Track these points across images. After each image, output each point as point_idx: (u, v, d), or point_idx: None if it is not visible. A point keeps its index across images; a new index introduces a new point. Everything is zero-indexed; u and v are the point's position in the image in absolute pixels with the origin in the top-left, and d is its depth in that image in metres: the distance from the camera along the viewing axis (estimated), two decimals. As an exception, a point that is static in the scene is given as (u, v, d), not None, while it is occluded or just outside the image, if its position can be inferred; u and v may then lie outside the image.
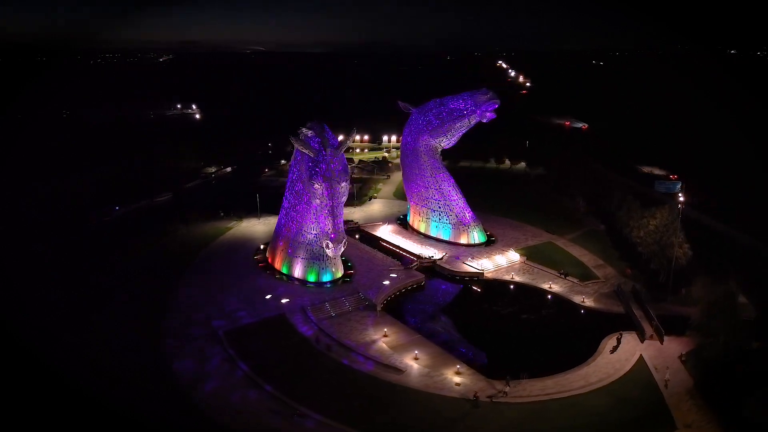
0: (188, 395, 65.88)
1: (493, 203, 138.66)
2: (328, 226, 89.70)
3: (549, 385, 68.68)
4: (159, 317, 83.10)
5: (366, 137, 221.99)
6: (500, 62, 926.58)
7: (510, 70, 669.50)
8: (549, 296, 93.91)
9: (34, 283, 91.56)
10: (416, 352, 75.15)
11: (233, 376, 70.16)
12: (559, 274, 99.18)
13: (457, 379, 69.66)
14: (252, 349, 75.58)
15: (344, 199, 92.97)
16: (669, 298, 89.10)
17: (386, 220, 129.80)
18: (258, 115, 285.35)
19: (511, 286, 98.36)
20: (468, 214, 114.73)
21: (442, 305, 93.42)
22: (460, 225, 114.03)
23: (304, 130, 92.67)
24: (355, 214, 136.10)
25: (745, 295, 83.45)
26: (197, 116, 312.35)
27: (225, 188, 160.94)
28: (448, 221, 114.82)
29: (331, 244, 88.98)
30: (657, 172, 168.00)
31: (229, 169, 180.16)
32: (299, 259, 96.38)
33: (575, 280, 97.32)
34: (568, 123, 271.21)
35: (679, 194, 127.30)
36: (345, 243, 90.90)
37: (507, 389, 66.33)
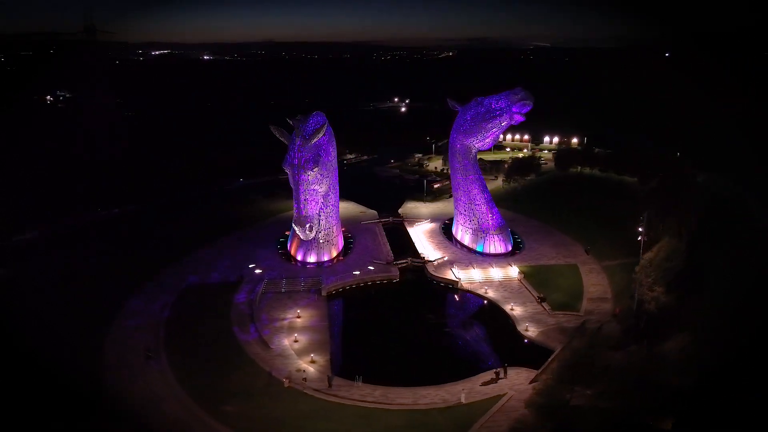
0: (109, 324, 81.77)
1: (570, 215, 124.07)
2: (295, 210, 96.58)
3: (375, 394, 66.43)
4: (160, 267, 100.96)
5: (526, 137, 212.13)
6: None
7: None
8: (501, 318, 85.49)
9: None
10: (296, 335, 79.01)
11: (154, 319, 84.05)
12: (536, 299, 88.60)
13: (304, 366, 72.03)
14: (188, 302, 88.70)
15: (317, 187, 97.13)
16: (632, 347, 73.14)
17: (434, 218, 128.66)
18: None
19: (485, 302, 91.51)
20: (492, 222, 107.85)
21: (387, 302, 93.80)
22: (479, 231, 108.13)
23: (288, 119, 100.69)
24: (421, 209, 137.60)
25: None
26: (402, 109, 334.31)
27: (347, 174, 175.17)
28: (469, 226, 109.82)
29: (296, 228, 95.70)
30: None
31: (365, 157, 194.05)
32: (297, 238, 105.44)
33: (547, 308, 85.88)
34: None
35: None
36: (310, 228, 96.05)
37: (305, 382, 66.85)
